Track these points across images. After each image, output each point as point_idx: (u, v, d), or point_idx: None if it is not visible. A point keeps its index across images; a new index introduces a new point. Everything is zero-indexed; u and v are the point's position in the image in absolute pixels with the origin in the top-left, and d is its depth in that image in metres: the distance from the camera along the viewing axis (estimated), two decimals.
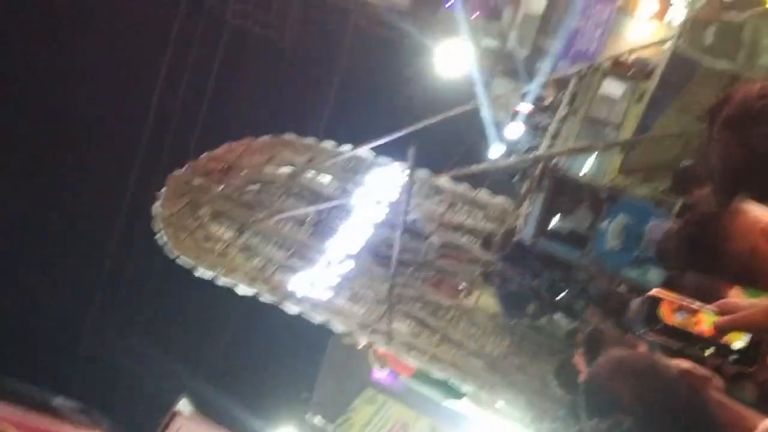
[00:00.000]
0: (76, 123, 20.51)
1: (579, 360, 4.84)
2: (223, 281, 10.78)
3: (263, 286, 10.66)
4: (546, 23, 12.96)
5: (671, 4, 11.38)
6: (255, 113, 18.73)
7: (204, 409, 8.94)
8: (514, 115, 10.34)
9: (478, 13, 18.24)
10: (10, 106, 19.27)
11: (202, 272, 10.89)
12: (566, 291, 9.47)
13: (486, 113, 10.34)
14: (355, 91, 18.68)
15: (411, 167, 9.24)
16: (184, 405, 8.53)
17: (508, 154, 10.09)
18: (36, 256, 20.23)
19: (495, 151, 10.13)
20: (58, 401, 7.37)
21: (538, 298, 9.56)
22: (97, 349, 19.81)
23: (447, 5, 18.81)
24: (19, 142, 20.07)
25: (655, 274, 8.56)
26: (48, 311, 19.34)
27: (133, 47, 19.38)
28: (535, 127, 9.93)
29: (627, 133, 8.71)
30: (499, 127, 10.38)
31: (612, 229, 8.81)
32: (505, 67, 15.79)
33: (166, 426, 8.30)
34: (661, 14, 11.64)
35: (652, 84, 8.20)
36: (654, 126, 8.15)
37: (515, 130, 10.05)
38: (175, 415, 8.34)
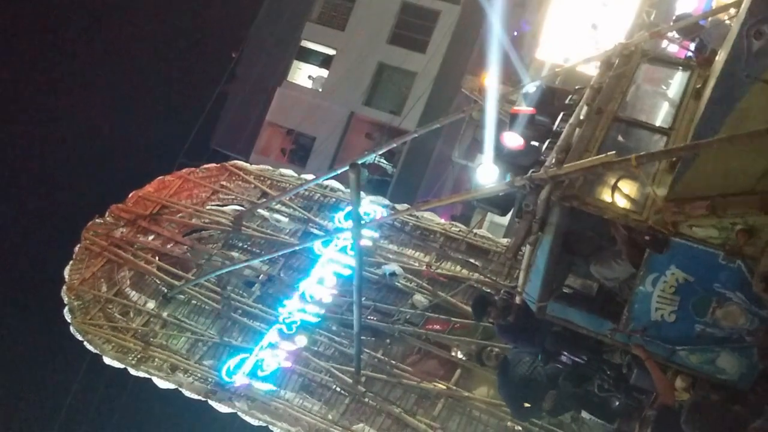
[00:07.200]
0: None
1: None
2: (136, 372, 8.11)
3: (185, 377, 7.92)
4: None
5: None
6: None
7: None
8: (513, 118, 7.09)
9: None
10: None
11: (111, 361, 8.25)
12: (596, 380, 6.41)
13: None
14: None
15: (355, 199, 6.17)
16: None
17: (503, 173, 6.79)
18: None
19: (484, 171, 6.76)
20: None
21: (556, 389, 6.52)
22: None
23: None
24: None
25: (727, 360, 5.47)
26: None
27: None
28: (538, 136, 6.77)
29: (679, 141, 5.57)
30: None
31: (661, 289, 5.71)
32: None
33: None
34: None
35: (717, 67, 5.07)
36: (723, 128, 4.96)
37: (512, 140, 6.78)
38: None
